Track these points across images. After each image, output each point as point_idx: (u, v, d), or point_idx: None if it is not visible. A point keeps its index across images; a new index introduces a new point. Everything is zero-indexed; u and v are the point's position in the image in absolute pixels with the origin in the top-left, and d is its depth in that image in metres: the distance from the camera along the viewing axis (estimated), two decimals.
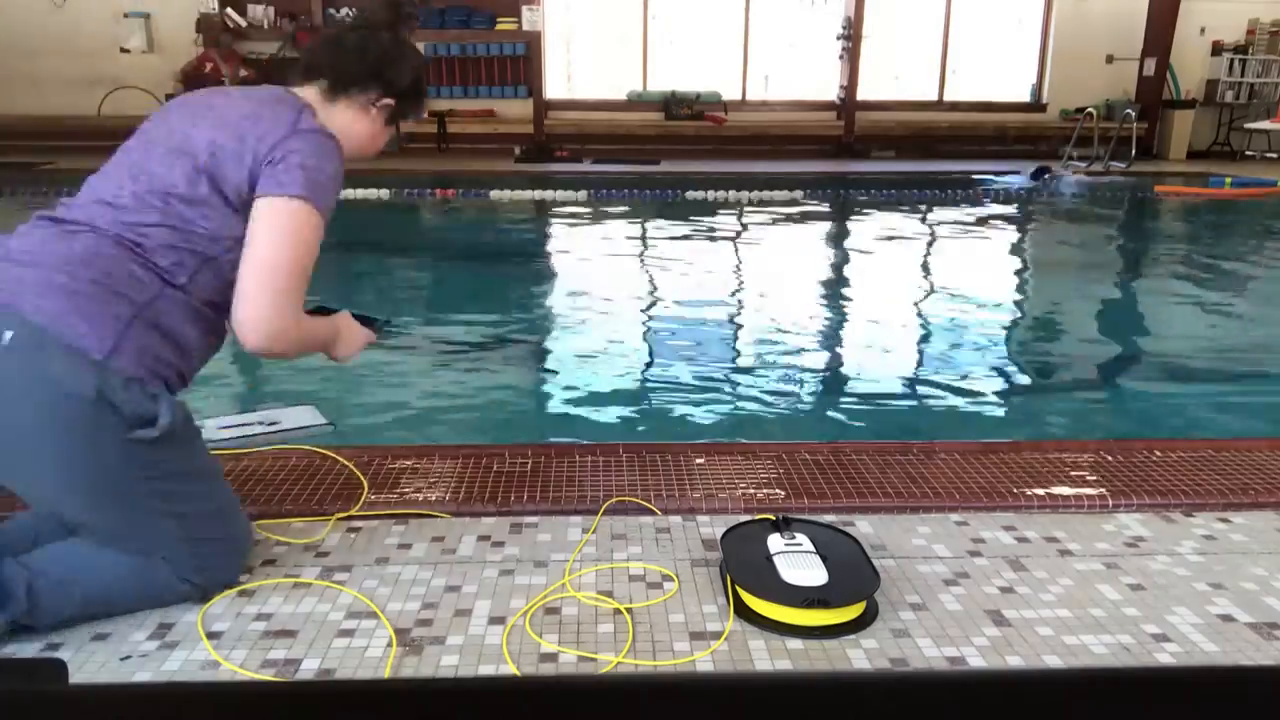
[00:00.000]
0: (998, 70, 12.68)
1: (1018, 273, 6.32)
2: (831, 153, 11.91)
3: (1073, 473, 2.29)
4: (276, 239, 1.61)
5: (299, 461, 2.29)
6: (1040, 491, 2.18)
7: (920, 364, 3.99)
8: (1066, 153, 10.64)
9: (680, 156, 11.32)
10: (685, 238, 6.99)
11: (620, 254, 6.60)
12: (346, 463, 2.28)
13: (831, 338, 4.41)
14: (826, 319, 4.77)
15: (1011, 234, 7.75)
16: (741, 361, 3.93)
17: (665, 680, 0.41)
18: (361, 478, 2.20)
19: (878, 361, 3.97)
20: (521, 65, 11.67)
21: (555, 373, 3.82)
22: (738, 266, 6.12)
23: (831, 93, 12.33)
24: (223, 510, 1.74)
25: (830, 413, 3.44)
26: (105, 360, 1.50)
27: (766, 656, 1.59)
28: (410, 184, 8.78)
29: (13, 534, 1.71)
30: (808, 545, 1.79)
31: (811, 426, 3.27)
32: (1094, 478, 2.26)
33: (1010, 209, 8.58)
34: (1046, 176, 9.78)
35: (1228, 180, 9.35)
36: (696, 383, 3.61)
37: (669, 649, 1.61)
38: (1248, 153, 12.27)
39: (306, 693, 0.40)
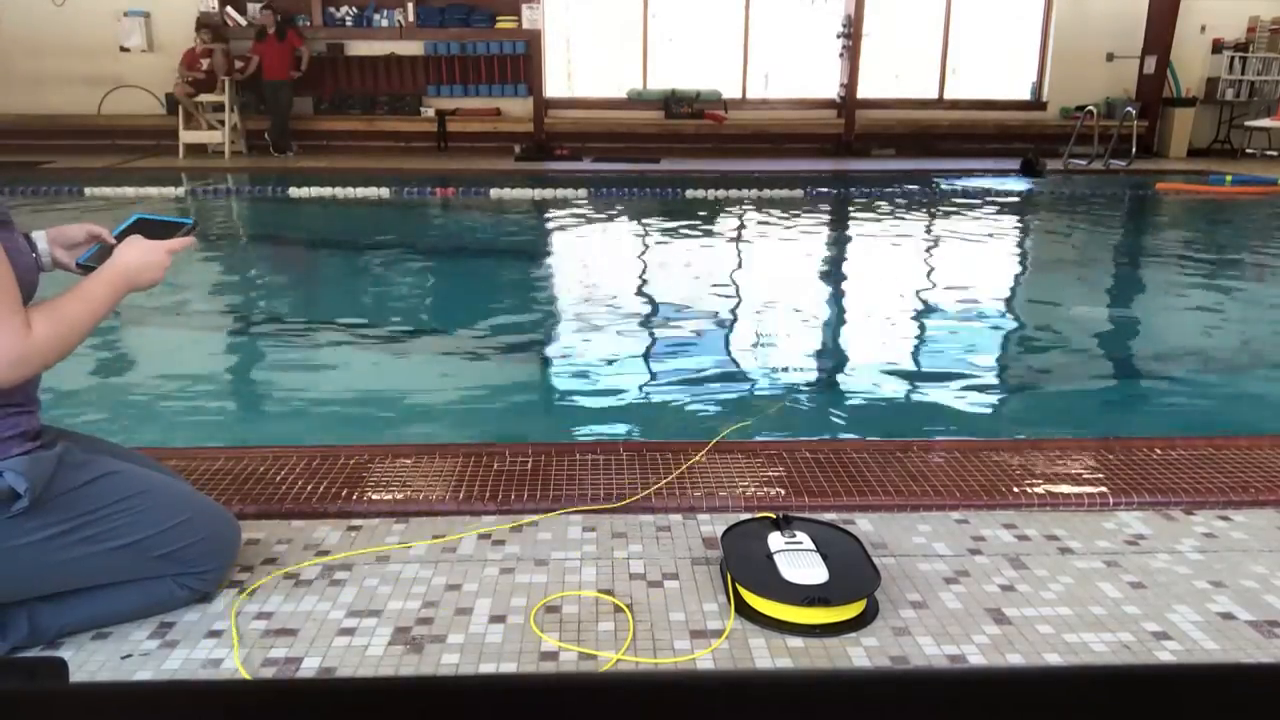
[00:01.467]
0: (998, 68, 12.67)
1: (1018, 271, 6.32)
2: (831, 151, 11.90)
3: (1073, 471, 2.29)
4: None
5: (299, 460, 2.29)
6: (1040, 489, 2.18)
7: (920, 362, 3.99)
8: (1067, 151, 10.63)
9: (680, 155, 11.32)
10: (685, 236, 6.99)
11: (620, 253, 6.60)
12: (347, 461, 2.28)
13: (831, 336, 4.41)
14: (827, 317, 4.77)
15: (1012, 232, 7.75)
16: (742, 360, 3.93)
17: (666, 678, 0.41)
18: (362, 476, 2.20)
19: (878, 359, 3.97)
20: (521, 64, 11.67)
21: (556, 371, 3.82)
22: (738, 265, 6.12)
23: (832, 91, 12.33)
24: (176, 521, 1.65)
25: (830, 411, 3.44)
26: None
27: (767, 655, 1.59)
28: (410, 183, 8.78)
29: None
30: (808, 543, 1.79)
31: (812, 425, 3.27)
32: (1094, 476, 2.26)
33: (1010, 207, 8.57)
34: (1039, 167, 9.79)
35: (1228, 178, 9.34)
36: (697, 381, 3.61)
37: (669, 647, 1.61)
38: (1248, 151, 12.26)
39: (307, 691, 0.40)
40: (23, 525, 1.49)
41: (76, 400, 3.23)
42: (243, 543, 1.83)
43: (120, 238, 1.70)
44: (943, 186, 9.36)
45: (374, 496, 2.11)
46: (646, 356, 3.95)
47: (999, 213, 8.26)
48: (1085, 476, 2.26)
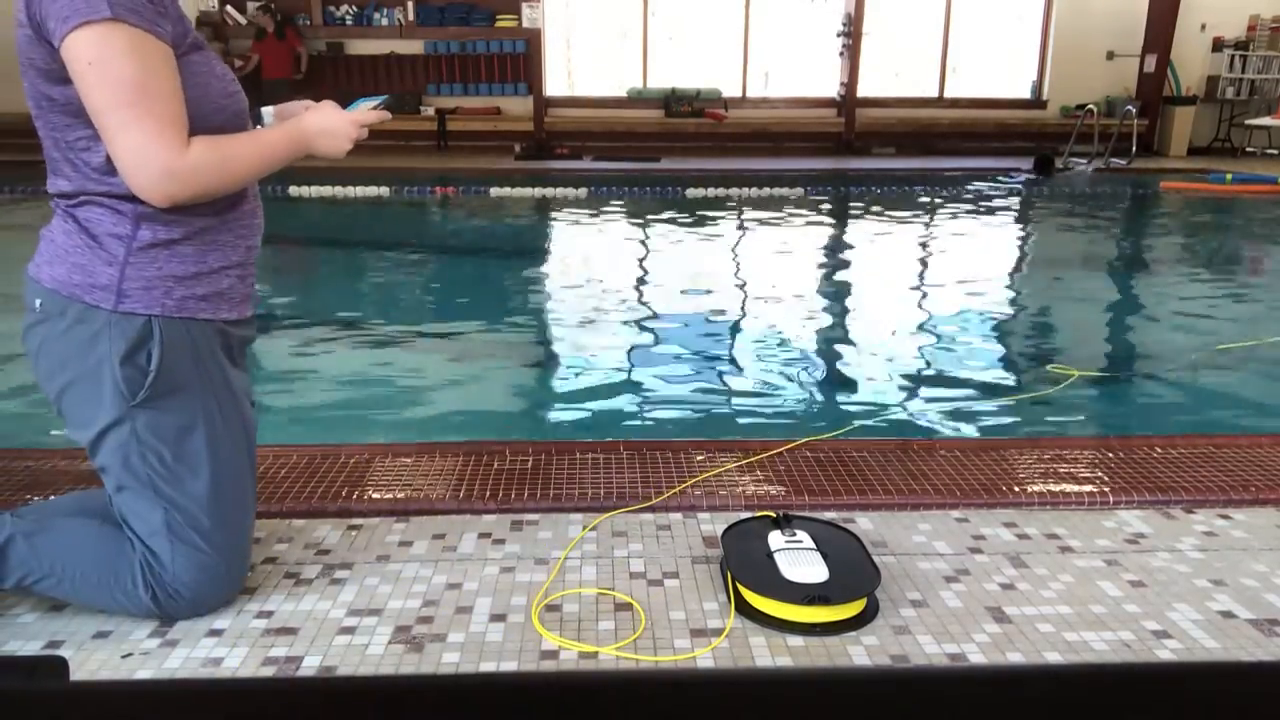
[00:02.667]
0: (998, 67, 12.67)
1: (1018, 269, 6.32)
2: (832, 149, 11.90)
3: (1073, 469, 2.29)
4: (97, 77, 1.38)
5: (300, 459, 2.29)
6: (1041, 488, 2.18)
7: (921, 360, 3.99)
8: (1067, 150, 10.63)
9: (680, 154, 11.32)
10: (685, 235, 6.99)
11: (620, 252, 6.60)
12: (348, 460, 2.28)
13: (832, 334, 4.41)
14: (827, 316, 4.77)
15: (1012, 231, 7.75)
16: (742, 359, 3.93)
17: (666, 676, 0.41)
18: (362, 475, 2.20)
19: (878, 358, 3.97)
20: (521, 63, 11.67)
21: (556, 370, 3.82)
22: (738, 264, 6.12)
23: (832, 89, 12.32)
24: (219, 522, 1.61)
25: (831, 409, 3.44)
26: (114, 309, 1.49)
27: (767, 653, 1.59)
28: (410, 182, 8.78)
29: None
30: (808, 542, 1.79)
31: (812, 423, 3.27)
32: (1094, 474, 2.26)
33: (1010, 206, 8.57)
34: (1057, 168, 9.77)
35: (1228, 176, 9.34)
36: (697, 380, 3.61)
37: (670, 646, 1.61)
38: (1248, 149, 12.26)
39: (308, 689, 0.40)
40: (142, 395, 1.51)
41: None
42: (237, 590, 1.71)
43: None
44: (947, 185, 9.35)
45: (374, 495, 2.11)
46: (647, 355, 3.95)
47: (999, 211, 8.26)
48: (1085, 475, 2.26)
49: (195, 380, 1.56)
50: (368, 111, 1.69)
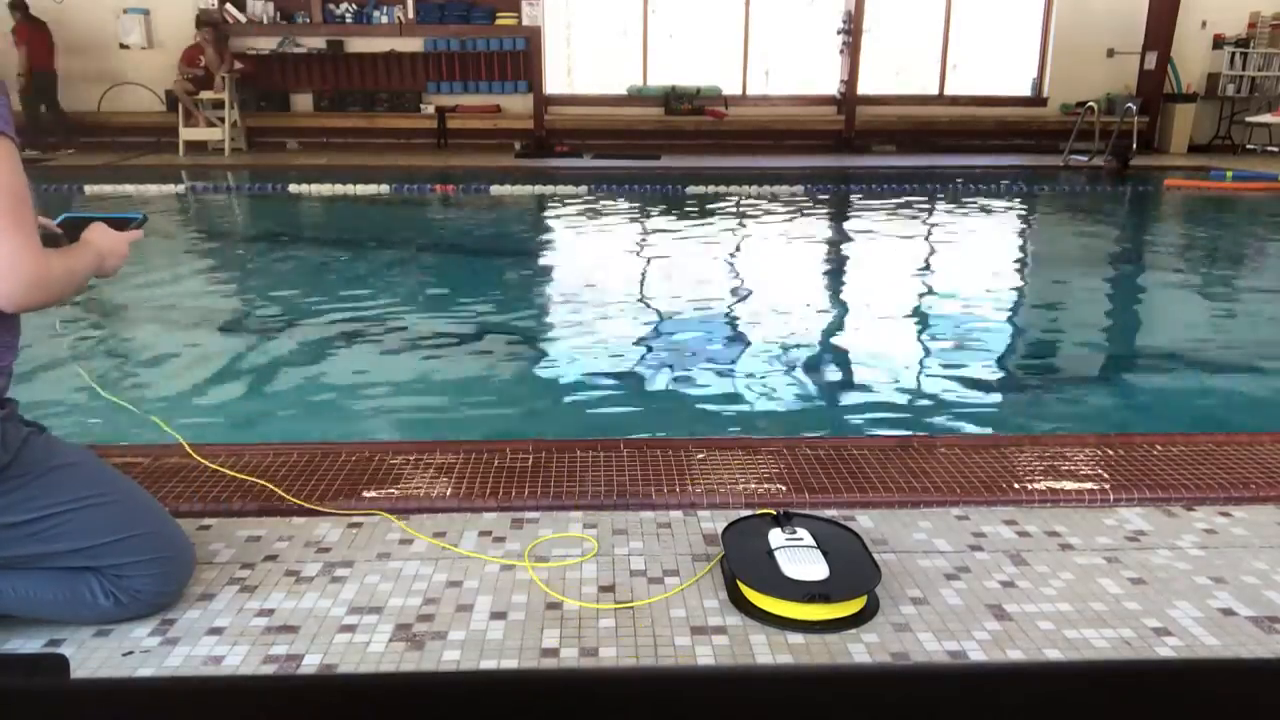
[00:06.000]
0: (998, 64, 12.66)
1: (1018, 267, 6.32)
2: (832, 147, 11.89)
3: (1073, 467, 2.29)
4: None
5: (300, 457, 2.29)
6: (1041, 485, 2.18)
7: (921, 358, 3.99)
8: (1068, 148, 10.62)
9: (680, 151, 11.31)
10: (686, 233, 6.99)
11: (621, 249, 6.60)
12: (348, 458, 2.28)
13: (832, 332, 4.41)
14: (827, 314, 4.77)
15: (1012, 228, 7.75)
16: (742, 357, 3.93)
17: (666, 674, 0.41)
18: (363, 473, 2.20)
19: (879, 356, 3.97)
20: (522, 60, 11.65)
21: (556, 368, 3.82)
22: (738, 261, 6.12)
23: (832, 87, 12.31)
24: (130, 534, 1.61)
25: (831, 407, 3.44)
26: None
27: (767, 651, 1.60)
28: (410, 180, 8.77)
29: None
30: (809, 540, 1.79)
31: (812, 421, 3.27)
32: (1095, 472, 2.26)
33: (1011, 204, 8.57)
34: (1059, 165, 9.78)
35: (1228, 174, 9.33)
36: (697, 378, 3.61)
37: (670, 643, 1.61)
38: (1249, 146, 12.25)
39: (308, 687, 0.40)
40: None
41: (76, 399, 3.23)
42: (193, 572, 1.74)
43: (62, 226, 1.70)
44: (958, 183, 9.34)
45: (375, 493, 2.11)
46: (647, 353, 3.95)
47: (998, 209, 8.26)
48: (1086, 472, 2.26)
49: (23, 455, 1.53)
50: (133, 233, 1.75)
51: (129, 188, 8.23)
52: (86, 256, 1.61)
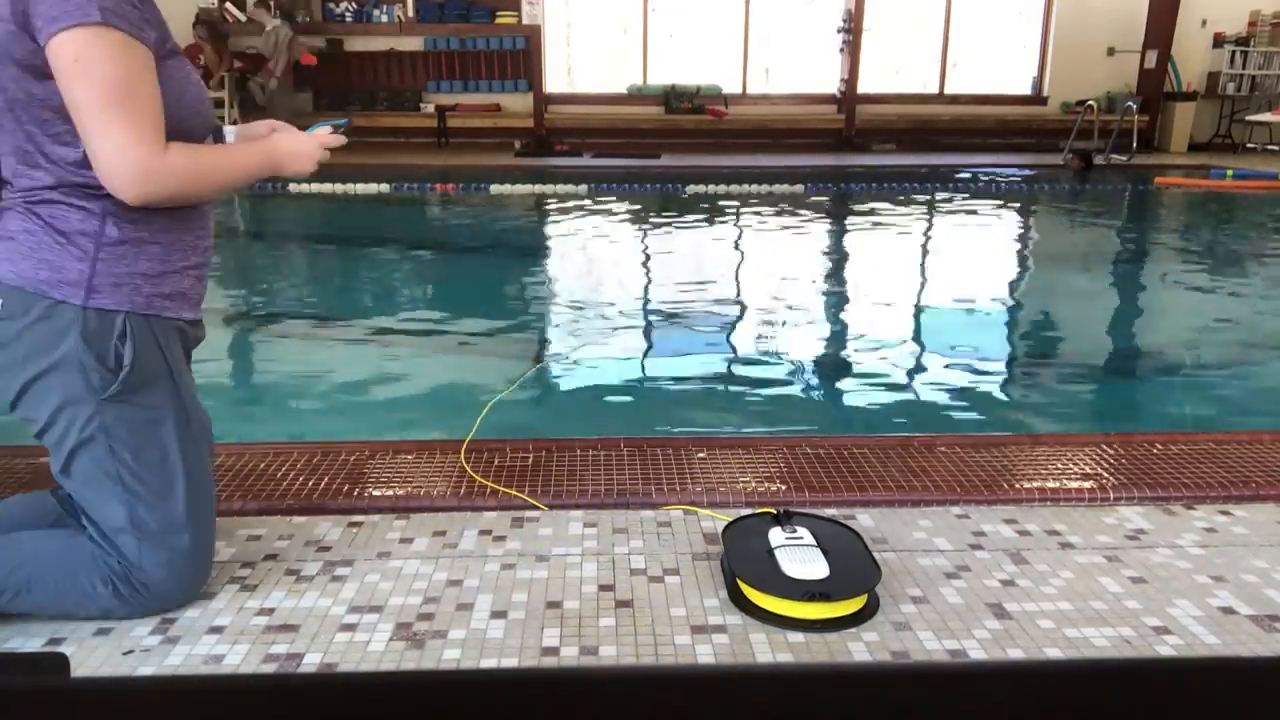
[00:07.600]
0: (999, 63, 12.66)
1: (1018, 266, 6.32)
2: (832, 146, 11.89)
3: (1074, 466, 2.29)
4: (83, 77, 1.40)
5: (300, 456, 2.29)
6: (1041, 484, 2.18)
7: (921, 357, 3.99)
8: (1068, 146, 10.62)
9: (680, 150, 11.31)
10: (686, 231, 6.99)
11: (621, 248, 6.59)
12: (348, 457, 2.28)
13: (832, 331, 4.41)
14: (827, 312, 4.77)
15: (1012, 227, 7.75)
16: (743, 355, 3.93)
17: (666, 673, 0.41)
18: (363, 472, 2.20)
19: (879, 355, 3.97)
20: (521, 59, 11.65)
21: (557, 367, 3.82)
22: (738, 260, 6.12)
23: (832, 86, 12.31)
24: (189, 516, 1.61)
25: (831, 406, 3.44)
26: (84, 304, 1.49)
27: (768, 650, 1.60)
28: (410, 179, 8.77)
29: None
30: (809, 539, 1.79)
31: (813, 420, 3.27)
32: (1095, 470, 2.26)
33: (1010, 203, 8.57)
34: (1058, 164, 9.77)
35: (1228, 172, 9.33)
36: (698, 377, 3.61)
37: (670, 642, 1.61)
38: (1249, 145, 12.25)
39: (308, 686, 0.40)
40: (107, 397, 1.51)
41: None
42: (204, 583, 1.71)
43: None
44: (958, 182, 9.34)
45: (375, 492, 2.11)
46: (647, 352, 3.95)
47: (998, 208, 8.25)
48: (1086, 471, 2.26)
49: (162, 377, 1.58)
50: (329, 135, 1.78)
51: None
52: (240, 155, 1.64)
